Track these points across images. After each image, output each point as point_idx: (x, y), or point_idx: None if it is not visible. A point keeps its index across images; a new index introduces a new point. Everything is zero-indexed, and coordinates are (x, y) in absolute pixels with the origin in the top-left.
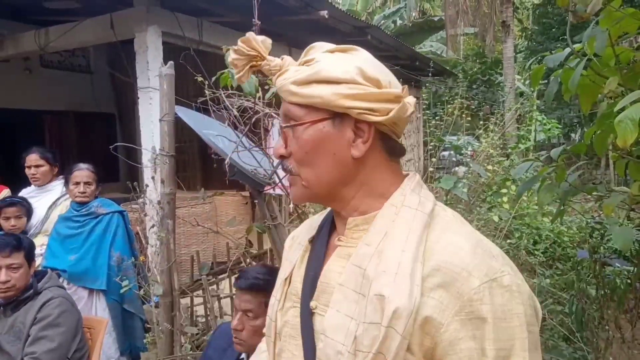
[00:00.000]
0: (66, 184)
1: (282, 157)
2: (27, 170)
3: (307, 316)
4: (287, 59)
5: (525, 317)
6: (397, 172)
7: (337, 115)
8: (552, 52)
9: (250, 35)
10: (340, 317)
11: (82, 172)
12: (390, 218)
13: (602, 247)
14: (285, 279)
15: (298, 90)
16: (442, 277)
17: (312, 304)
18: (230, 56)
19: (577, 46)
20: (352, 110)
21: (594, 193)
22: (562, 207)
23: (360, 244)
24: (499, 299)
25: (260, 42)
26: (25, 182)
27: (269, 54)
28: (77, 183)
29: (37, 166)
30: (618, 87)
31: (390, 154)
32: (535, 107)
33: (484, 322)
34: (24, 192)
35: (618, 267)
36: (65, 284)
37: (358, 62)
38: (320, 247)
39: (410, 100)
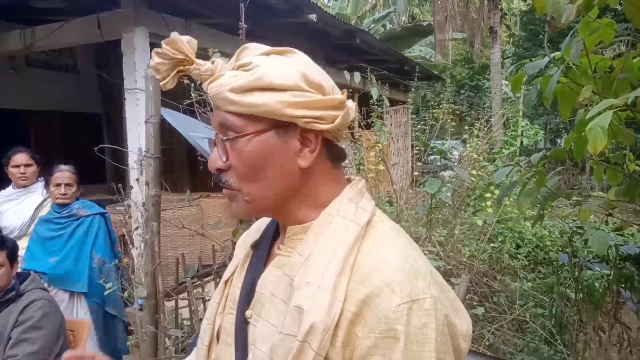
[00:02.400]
0: (47, 185)
1: (219, 171)
2: (13, 170)
3: (241, 325)
4: (219, 62)
5: (436, 343)
6: (339, 180)
7: (281, 125)
8: (533, 59)
9: (175, 35)
10: (269, 327)
11: (63, 173)
12: (324, 227)
13: (584, 251)
14: (226, 282)
15: (238, 98)
16: (365, 292)
17: (247, 313)
18: (153, 60)
19: (557, 54)
20: (299, 120)
21: (573, 198)
22: (541, 212)
23: (293, 253)
24: (416, 320)
25: (186, 42)
26: (5, 183)
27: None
28: (58, 184)
29: (27, 165)
30: (595, 95)
31: (334, 161)
32: (520, 113)
33: (396, 341)
34: (2, 194)
35: (597, 270)
36: (45, 287)
37: (300, 66)
38: (262, 253)
39: (351, 104)
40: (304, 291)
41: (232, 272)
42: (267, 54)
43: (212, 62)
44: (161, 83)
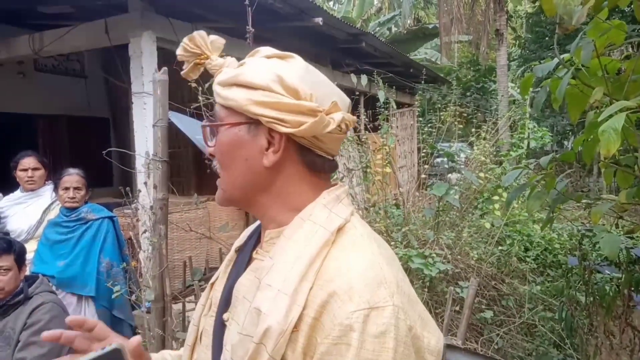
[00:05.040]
0: (55, 189)
1: (211, 156)
2: (21, 174)
3: (218, 327)
4: (229, 59)
5: (394, 353)
6: (319, 187)
7: (253, 121)
8: (541, 61)
9: (197, 33)
10: (238, 329)
11: (72, 177)
12: (294, 232)
13: (593, 254)
14: (212, 285)
15: (220, 91)
16: (324, 297)
17: (225, 315)
18: (177, 51)
19: (566, 56)
20: (262, 118)
21: (583, 201)
22: (551, 215)
23: (266, 257)
24: (373, 328)
25: (210, 41)
26: (15, 187)
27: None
28: (67, 188)
29: (34, 169)
30: (605, 97)
31: (310, 168)
32: (527, 115)
33: (348, 348)
34: (10, 198)
35: (608, 274)
36: (54, 290)
37: (281, 69)
38: (243, 258)
39: (336, 116)
40: (265, 294)
41: (218, 276)
42: (269, 57)
43: (224, 59)
44: (182, 72)
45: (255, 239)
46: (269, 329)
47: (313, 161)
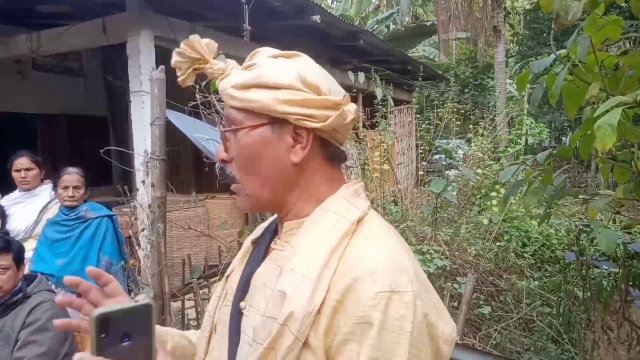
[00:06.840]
0: (55, 188)
1: (223, 162)
2: (16, 174)
3: (235, 316)
4: (231, 62)
5: (411, 337)
6: (337, 179)
7: (277, 121)
8: (539, 58)
9: (193, 37)
10: (257, 314)
11: (71, 176)
12: (315, 222)
13: (590, 250)
14: (226, 276)
15: (237, 94)
16: (347, 282)
17: (242, 304)
18: (173, 58)
19: (562, 52)
20: (290, 116)
21: (580, 196)
22: (548, 210)
23: (287, 247)
24: (393, 311)
25: (205, 45)
26: (13, 187)
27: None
28: (66, 187)
29: (27, 169)
30: (602, 93)
31: (330, 160)
32: (525, 111)
33: (370, 327)
34: (9, 198)
35: (605, 269)
36: (53, 289)
37: (299, 67)
38: (261, 249)
39: (351, 107)
40: (289, 278)
41: (233, 268)
42: (275, 57)
43: (225, 62)
44: (179, 79)
45: (273, 232)
46: (294, 311)
47: (334, 152)
